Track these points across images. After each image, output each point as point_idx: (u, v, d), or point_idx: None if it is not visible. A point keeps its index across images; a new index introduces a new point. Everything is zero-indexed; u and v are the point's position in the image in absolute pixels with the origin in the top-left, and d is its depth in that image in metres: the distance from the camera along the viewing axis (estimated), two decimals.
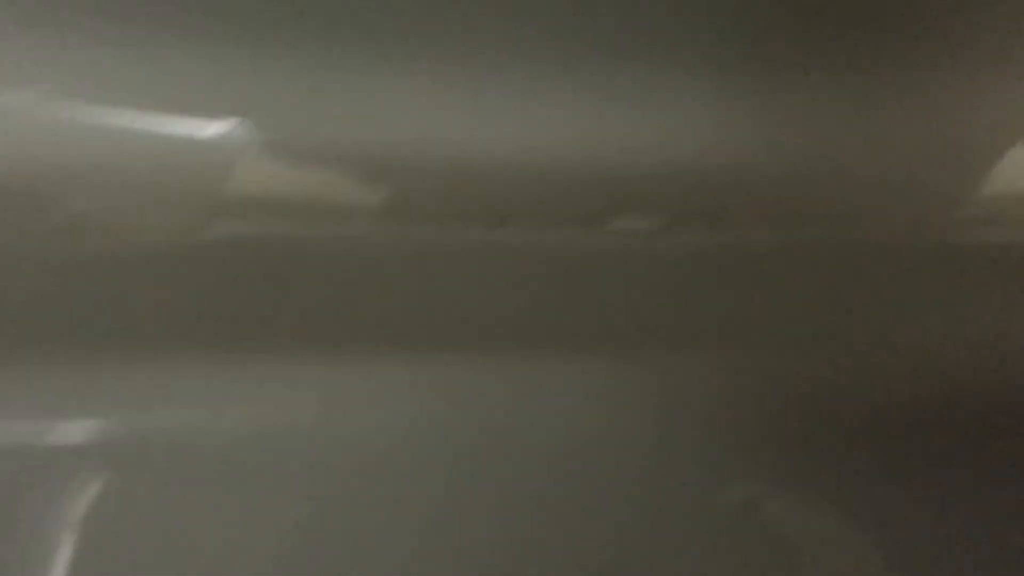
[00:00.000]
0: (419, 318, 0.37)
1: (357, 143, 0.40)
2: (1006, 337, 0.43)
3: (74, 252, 0.37)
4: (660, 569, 0.37)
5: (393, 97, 0.39)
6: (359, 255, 0.39)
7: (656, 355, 0.40)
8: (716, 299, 0.42)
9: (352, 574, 0.35)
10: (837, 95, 0.44)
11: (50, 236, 0.37)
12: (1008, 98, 0.44)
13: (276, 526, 0.34)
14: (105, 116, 0.38)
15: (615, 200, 0.42)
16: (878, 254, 0.43)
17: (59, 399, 0.32)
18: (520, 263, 0.39)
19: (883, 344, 0.42)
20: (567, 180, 0.41)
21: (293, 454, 0.34)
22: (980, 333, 0.44)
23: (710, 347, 0.41)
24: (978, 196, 0.44)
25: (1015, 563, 0.40)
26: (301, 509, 0.35)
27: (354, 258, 0.39)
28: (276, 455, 0.34)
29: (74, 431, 0.32)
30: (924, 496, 0.41)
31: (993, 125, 0.44)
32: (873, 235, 0.43)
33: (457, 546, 0.36)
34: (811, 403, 0.40)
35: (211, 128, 0.39)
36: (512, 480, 0.36)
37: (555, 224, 0.41)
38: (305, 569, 0.35)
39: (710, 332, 0.42)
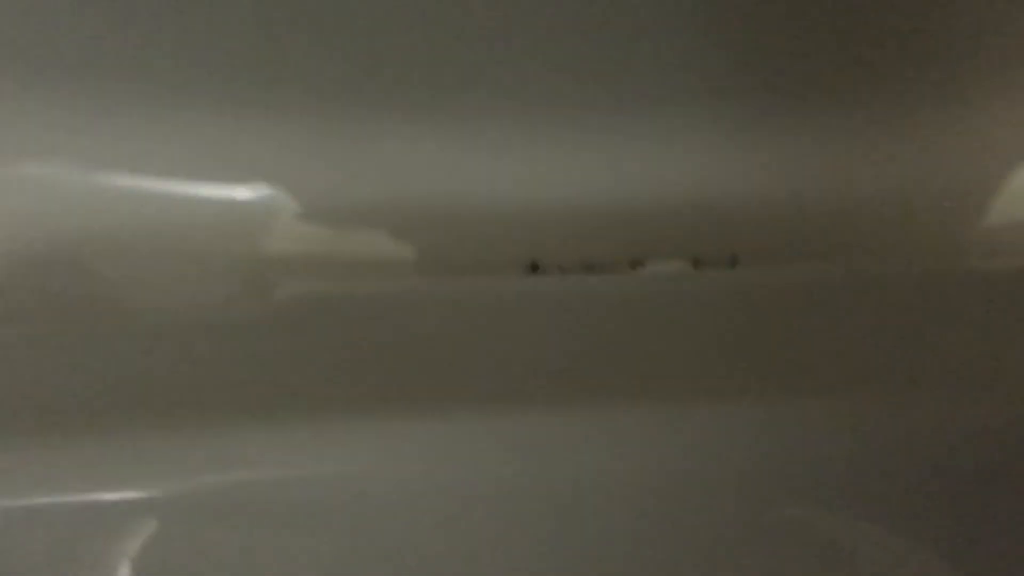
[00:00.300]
0: (458, 371, 0.38)
1: (388, 200, 0.42)
2: None
3: (114, 321, 0.38)
4: None
5: (419, 153, 0.42)
6: (397, 308, 0.40)
7: (693, 400, 0.40)
8: (749, 338, 0.42)
9: None
10: (849, 132, 0.45)
11: (90, 304, 0.38)
12: (1010, 128, 0.46)
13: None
14: (139, 183, 0.40)
15: (640, 243, 0.43)
16: (904, 284, 0.44)
17: (114, 467, 0.33)
18: (553, 309, 0.40)
19: (921, 374, 0.42)
20: (593, 224, 0.42)
21: (339, 507, 0.34)
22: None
23: (745, 391, 0.42)
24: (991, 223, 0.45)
25: None
26: (344, 556, 0.34)
27: (393, 311, 0.39)
28: (323, 508, 0.34)
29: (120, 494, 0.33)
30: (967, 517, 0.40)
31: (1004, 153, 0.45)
32: (895, 267, 0.44)
33: None
34: (851, 441, 0.40)
35: (245, 193, 0.41)
36: (555, 528, 0.36)
37: (585, 268, 0.42)
38: None
39: (744, 375, 0.42)
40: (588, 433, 0.36)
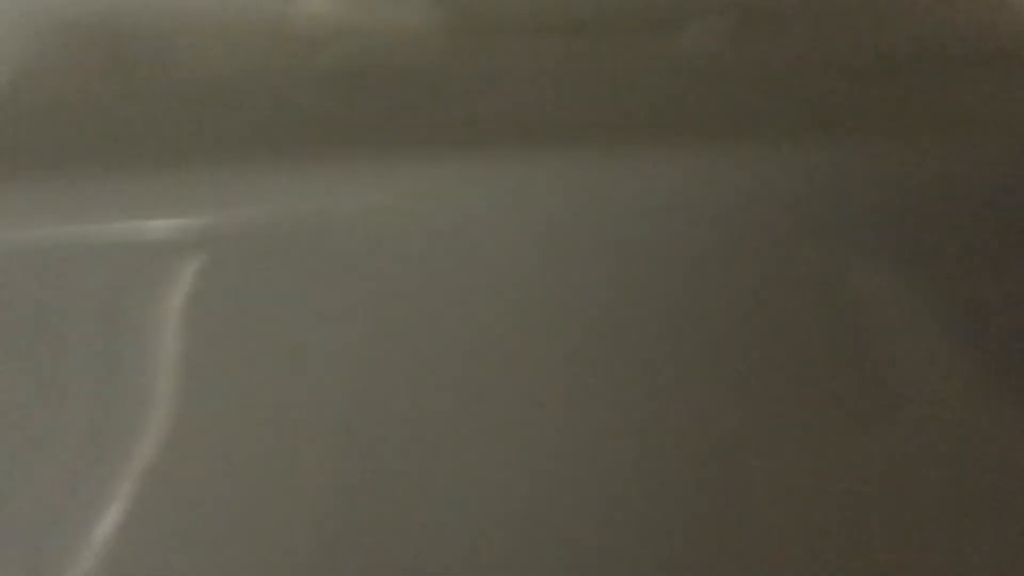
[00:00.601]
0: (493, 112, 0.36)
1: None
2: None
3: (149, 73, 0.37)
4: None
5: None
6: (432, 71, 0.38)
7: (725, 140, 0.38)
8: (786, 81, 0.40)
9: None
10: None
11: (138, 63, 0.37)
12: None
13: (358, 309, 0.34)
14: None
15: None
16: None
17: (150, 200, 0.32)
18: (596, 68, 0.39)
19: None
20: None
21: (375, 241, 0.33)
22: None
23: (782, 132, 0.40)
24: None
25: None
26: (386, 292, 0.34)
27: (427, 74, 0.38)
28: (359, 243, 0.33)
29: (168, 228, 0.32)
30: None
31: None
32: None
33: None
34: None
35: None
36: (592, 264, 0.35)
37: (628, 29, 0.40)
38: (391, 351, 0.34)
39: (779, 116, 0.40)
40: (629, 170, 0.35)
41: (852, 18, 0.43)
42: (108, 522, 0.33)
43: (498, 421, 0.35)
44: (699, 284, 0.34)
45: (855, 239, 0.36)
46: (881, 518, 0.36)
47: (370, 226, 0.33)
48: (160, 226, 0.32)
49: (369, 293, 0.33)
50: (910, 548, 0.37)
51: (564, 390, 0.35)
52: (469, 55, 0.39)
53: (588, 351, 0.34)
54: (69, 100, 0.36)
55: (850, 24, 0.42)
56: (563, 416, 0.35)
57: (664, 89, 0.38)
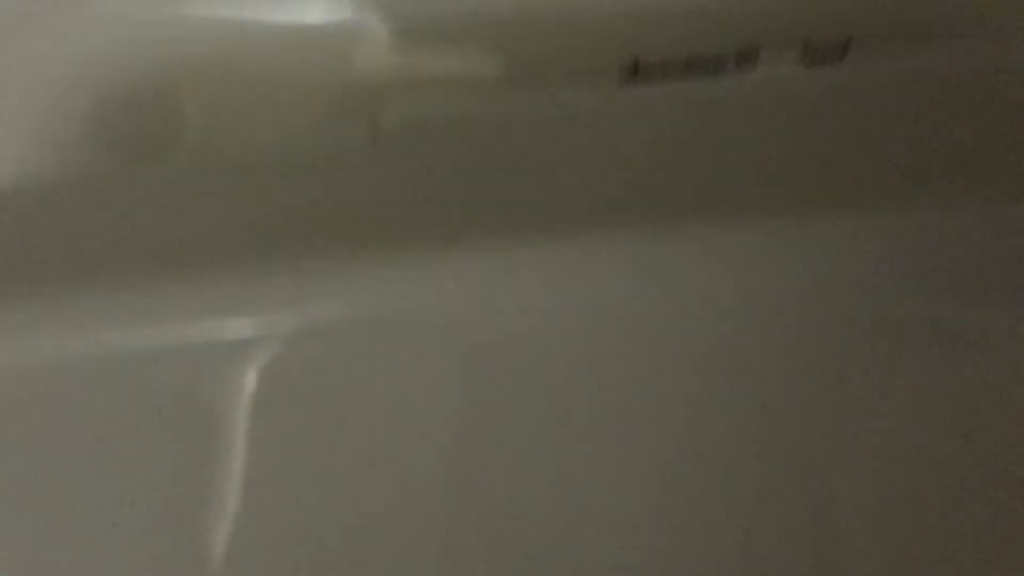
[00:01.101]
0: (559, 191, 0.36)
1: (472, 11, 0.39)
2: None
3: (210, 158, 0.37)
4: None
5: None
6: (491, 127, 0.38)
7: (804, 215, 0.38)
8: (860, 143, 0.39)
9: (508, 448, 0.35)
10: None
11: (180, 145, 0.37)
12: None
13: (432, 397, 0.34)
14: (214, 10, 0.38)
15: (746, 29, 0.39)
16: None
17: (221, 302, 0.33)
18: (653, 119, 0.38)
19: None
20: (696, 12, 0.39)
21: (439, 334, 0.34)
22: None
23: (858, 202, 0.39)
24: None
25: None
26: (451, 384, 0.35)
27: (487, 130, 0.38)
28: (422, 335, 0.34)
29: (237, 328, 0.33)
30: None
31: None
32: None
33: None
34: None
35: (324, 16, 0.38)
36: (653, 350, 0.35)
37: (688, 65, 0.39)
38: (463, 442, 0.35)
39: (854, 185, 0.39)
40: (700, 253, 0.35)
41: None
42: None
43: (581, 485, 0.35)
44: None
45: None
46: None
47: (444, 316, 0.33)
48: (239, 324, 0.33)
49: (451, 376, 0.34)
50: None
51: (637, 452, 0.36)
52: (528, 113, 0.38)
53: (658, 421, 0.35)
54: (129, 197, 0.35)
55: None
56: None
57: (730, 147, 0.37)
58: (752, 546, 0.34)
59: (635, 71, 0.39)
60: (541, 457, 0.34)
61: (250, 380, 0.33)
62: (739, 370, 0.35)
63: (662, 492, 0.34)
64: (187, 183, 0.36)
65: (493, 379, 0.34)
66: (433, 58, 0.38)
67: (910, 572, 0.35)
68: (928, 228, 0.36)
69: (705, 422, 0.35)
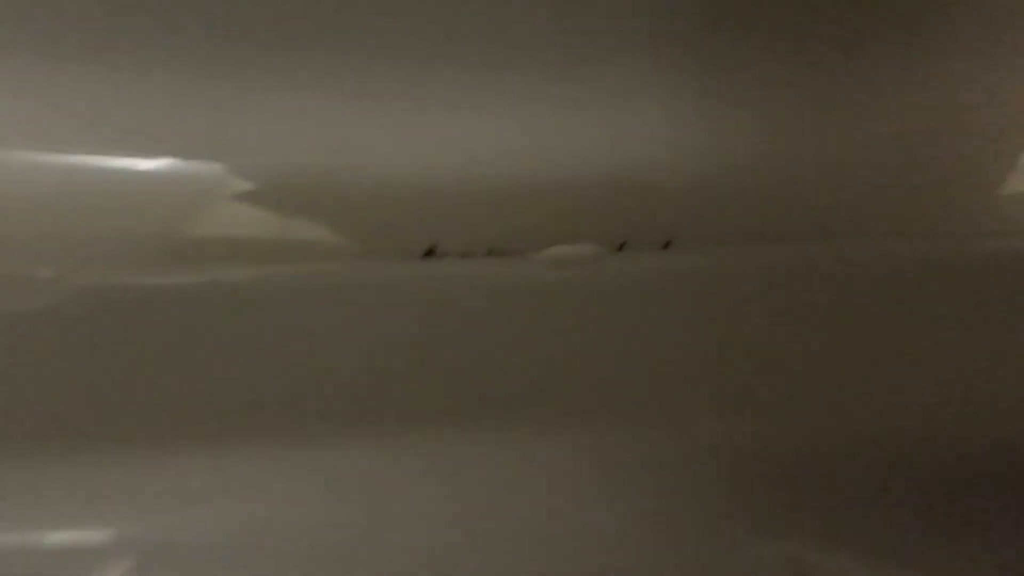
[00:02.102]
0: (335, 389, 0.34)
1: (277, 178, 0.37)
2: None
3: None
4: None
5: (308, 127, 0.37)
6: (259, 300, 0.35)
7: (644, 416, 0.35)
8: (690, 340, 0.37)
9: None
10: (792, 99, 0.40)
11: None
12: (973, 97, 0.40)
13: None
14: (50, 157, 0.36)
15: (560, 225, 0.37)
16: (854, 272, 0.38)
17: (64, 503, 0.31)
18: (455, 298, 0.35)
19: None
20: (506, 204, 0.38)
21: (297, 537, 0.32)
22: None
23: (701, 407, 0.37)
24: (954, 205, 0.39)
25: None
26: None
27: (253, 303, 0.35)
28: (281, 539, 0.31)
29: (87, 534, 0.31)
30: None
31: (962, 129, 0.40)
32: (847, 252, 0.38)
33: None
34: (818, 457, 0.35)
35: (141, 166, 0.37)
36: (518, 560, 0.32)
37: (488, 252, 0.37)
38: None
39: (699, 385, 0.37)
40: (533, 454, 0.32)
41: None
42: None
43: None
44: None
45: None
46: None
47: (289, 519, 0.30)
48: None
49: None
50: None
51: None
52: (308, 287, 0.35)
53: None
54: None
55: None
56: None
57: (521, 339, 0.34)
58: None
59: (431, 254, 0.37)
60: None
61: None
62: None
63: None
64: None
65: None
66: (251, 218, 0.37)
67: None
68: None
69: None
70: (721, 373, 0.35)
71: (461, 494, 0.33)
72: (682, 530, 0.32)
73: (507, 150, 0.38)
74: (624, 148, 0.38)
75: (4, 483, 0.32)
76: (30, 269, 0.35)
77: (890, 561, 0.33)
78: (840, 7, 0.38)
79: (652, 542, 0.32)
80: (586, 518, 0.32)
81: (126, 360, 0.32)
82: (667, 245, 0.37)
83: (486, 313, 0.35)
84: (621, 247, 0.37)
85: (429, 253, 0.37)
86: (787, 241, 0.38)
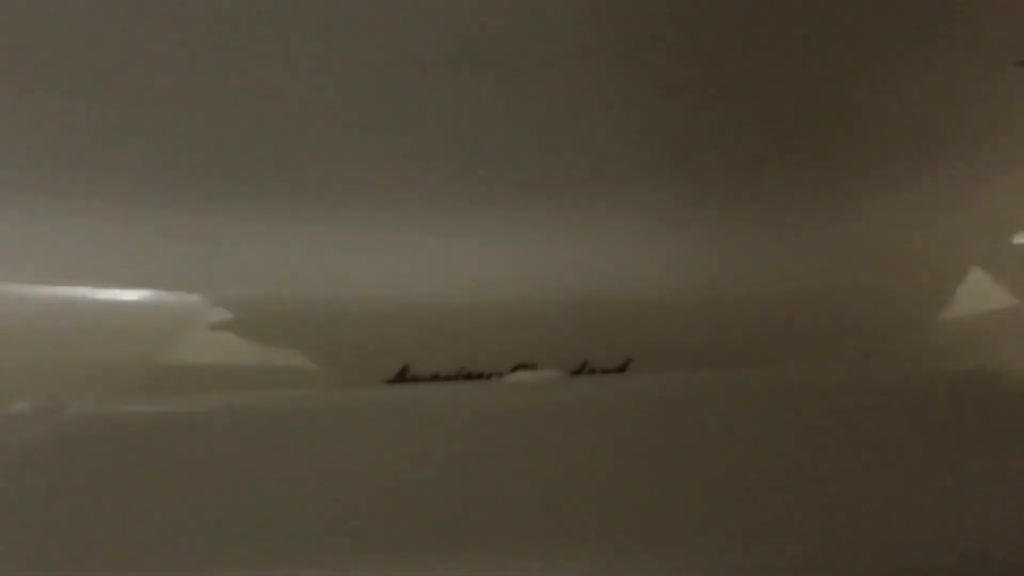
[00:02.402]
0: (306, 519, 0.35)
1: (252, 304, 0.40)
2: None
3: None
4: None
5: (280, 253, 0.40)
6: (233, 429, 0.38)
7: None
8: (629, 466, 0.38)
9: None
10: (760, 226, 0.42)
11: None
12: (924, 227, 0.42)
13: None
14: (26, 288, 0.40)
15: (523, 347, 0.40)
16: (825, 396, 0.40)
17: None
18: (418, 420, 0.37)
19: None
20: (471, 327, 0.40)
21: None
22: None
23: (658, 535, 0.37)
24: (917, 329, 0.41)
25: None
26: None
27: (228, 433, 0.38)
28: None
29: None
30: None
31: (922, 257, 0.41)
32: (815, 376, 0.40)
33: None
34: None
35: (121, 299, 0.40)
36: None
37: (461, 376, 0.40)
38: None
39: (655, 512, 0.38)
40: None
41: None
42: None
43: None
44: None
45: None
46: None
47: None
48: None
49: None
50: None
51: None
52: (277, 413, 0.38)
53: None
54: None
55: None
56: None
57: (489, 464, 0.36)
58: None
59: (403, 377, 0.40)
60: None
61: None
62: None
63: None
64: None
65: None
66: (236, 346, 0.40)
67: None
68: None
69: None
70: (677, 499, 0.35)
71: None
72: None
73: (478, 274, 0.41)
74: (591, 272, 0.41)
75: None
76: (7, 401, 0.37)
77: None
78: (802, 146, 0.40)
79: None
80: None
81: (105, 491, 0.34)
82: (626, 364, 0.40)
83: (453, 437, 0.37)
84: (582, 367, 0.40)
85: (401, 374, 0.39)
86: (746, 365, 0.40)
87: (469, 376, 0.40)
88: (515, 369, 0.40)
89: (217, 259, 0.41)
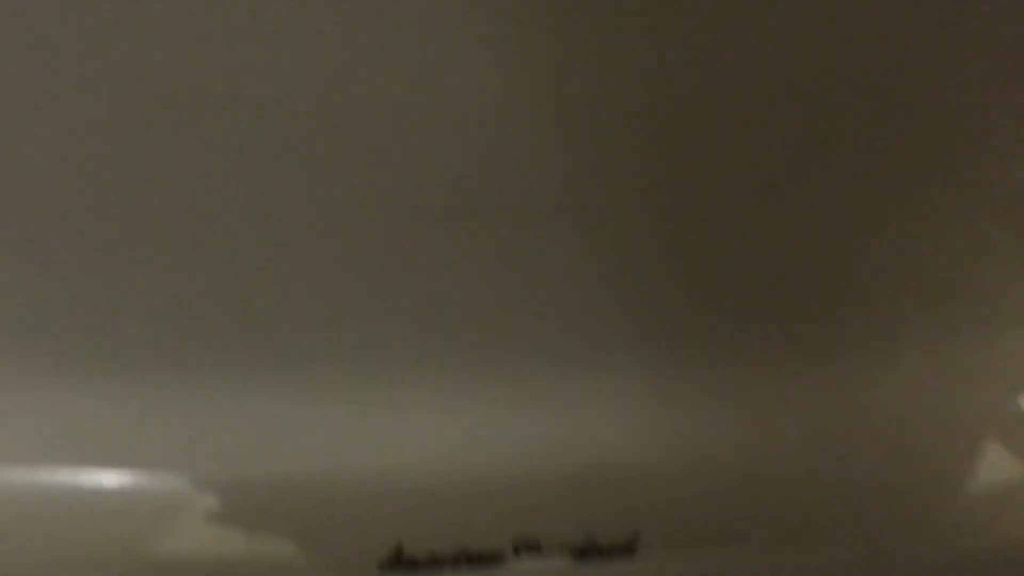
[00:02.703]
0: None
1: (249, 477, 0.38)
2: None
3: None
4: None
5: (263, 428, 0.38)
6: None
7: None
8: None
9: None
10: (758, 397, 0.41)
11: None
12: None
13: None
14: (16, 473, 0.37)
15: (527, 522, 0.38)
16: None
17: None
18: None
19: None
20: (472, 501, 0.38)
21: None
22: None
23: None
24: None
25: None
26: None
27: None
28: None
29: None
30: None
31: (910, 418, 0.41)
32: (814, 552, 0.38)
33: None
34: None
35: (105, 482, 0.37)
36: None
37: (457, 555, 0.37)
38: None
39: None
40: None
41: None
42: None
43: None
44: None
45: None
46: None
47: None
48: None
49: None
50: None
51: None
52: None
53: None
54: None
55: None
56: None
57: None
58: None
59: (398, 559, 0.37)
60: None
61: None
62: None
63: None
64: None
65: None
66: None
67: None
68: None
69: None
70: None
71: None
72: None
73: (472, 446, 0.39)
74: (588, 442, 0.39)
75: None
76: None
77: None
78: (801, 307, 0.39)
79: None
80: None
81: None
82: (634, 538, 0.38)
83: None
84: (589, 545, 0.37)
85: (395, 556, 0.37)
86: (753, 539, 0.38)
87: (469, 558, 0.37)
88: (516, 550, 0.37)
89: (202, 437, 0.39)
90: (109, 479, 0.38)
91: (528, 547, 0.37)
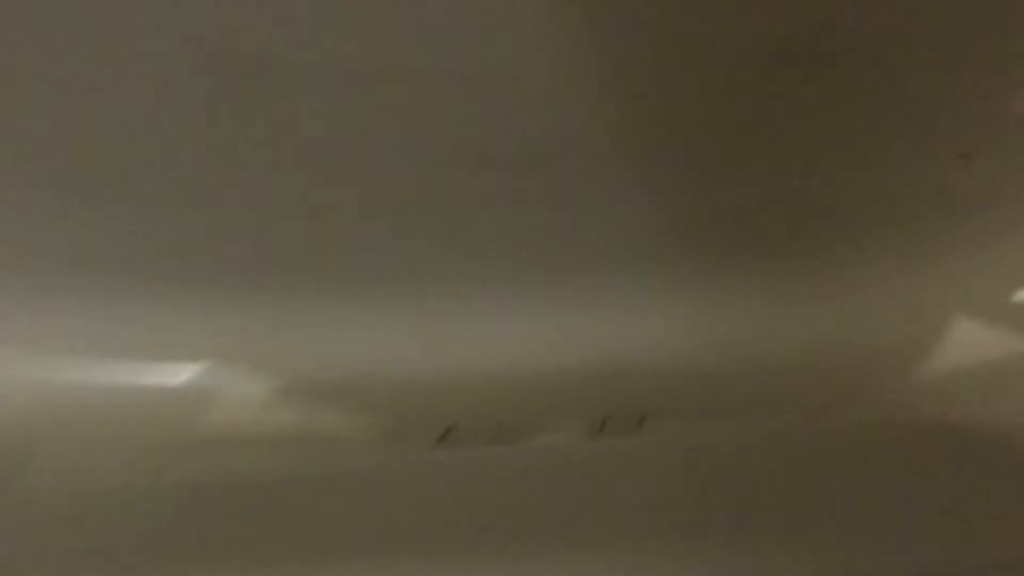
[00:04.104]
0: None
1: (303, 375, 0.44)
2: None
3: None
4: None
5: (329, 325, 0.44)
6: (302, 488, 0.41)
7: None
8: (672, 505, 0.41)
9: None
10: (765, 288, 0.47)
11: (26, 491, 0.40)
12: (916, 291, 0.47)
13: None
14: (77, 367, 0.43)
15: (554, 400, 0.45)
16: (826, 443, 0.42)
17: None
18: (460, 482, 0.41)
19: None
20: (504, 388, 0.44)
21: None
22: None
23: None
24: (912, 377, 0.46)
25: None
26: None
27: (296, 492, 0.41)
28: None
29: None
30: None
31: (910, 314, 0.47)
32: (814, 423, 0.45)
33: None
34: None
35: (179, 374, 0.43)
36: None
37: (496, 434, 0.44)
38: None
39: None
40: None
41: None
42: None
43: None
44: None
45: None
46: None
47: None
48: None
49: None
50: None
51: None
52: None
53: None
54: None
55: None
56: None
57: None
58: None
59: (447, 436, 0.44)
60: None
61: None
62: None
63: None
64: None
65: None
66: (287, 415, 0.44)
67: None
68: None
69: None
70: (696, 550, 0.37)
71: None
72: None
73: (510, 343, 0.46)
74: (614, 339, 0.46)
75: None
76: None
77: None
78: (795, 228, 0.46)
79: None
80: None
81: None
82: (641, 420, 0.45)
83: (492, 496, 0.40)
84: (603, 423, 0.45)
85: (446, 434, 0.44)
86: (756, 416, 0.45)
87: (504, 437, 0.44)
88: (543, 429, 0.44)
89: (268, 336, 0.45)
90: (184, 370, 0.45)
91: (555, 421, 0.44)
